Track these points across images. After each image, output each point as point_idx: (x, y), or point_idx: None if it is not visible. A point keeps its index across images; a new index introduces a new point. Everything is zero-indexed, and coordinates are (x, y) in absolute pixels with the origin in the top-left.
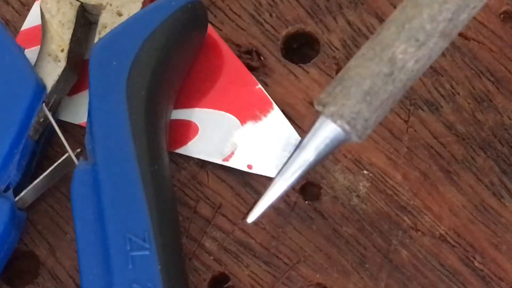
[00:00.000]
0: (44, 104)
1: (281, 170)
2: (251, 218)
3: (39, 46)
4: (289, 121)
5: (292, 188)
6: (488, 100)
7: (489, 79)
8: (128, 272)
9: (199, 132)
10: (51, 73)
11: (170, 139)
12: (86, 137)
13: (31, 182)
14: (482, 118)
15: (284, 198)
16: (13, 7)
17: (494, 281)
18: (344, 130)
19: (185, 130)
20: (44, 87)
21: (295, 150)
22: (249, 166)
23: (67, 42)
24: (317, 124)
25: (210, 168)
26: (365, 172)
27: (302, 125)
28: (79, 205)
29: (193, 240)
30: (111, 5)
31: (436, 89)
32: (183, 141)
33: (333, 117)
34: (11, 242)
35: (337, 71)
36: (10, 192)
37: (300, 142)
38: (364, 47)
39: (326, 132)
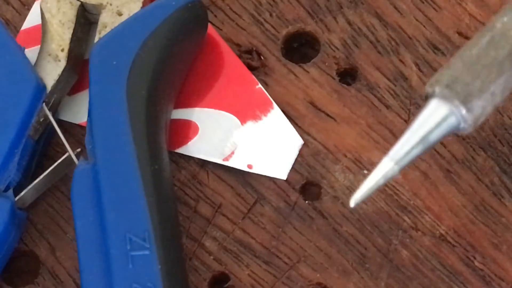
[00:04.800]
0: (44, 104)
1: (389, 152)
2: (355, 200)
3: (39, 46)
4: (289, 120)
5: (399, 171)
6: None
7: None
8: (128, 272)
9: (199, 131)
10: (51, 72)
11: (170, 139)
12: (86, 137)
13: (31, 182)
14: None
15: (284, 198)
16: (13, 7)
17: (494, 281)
18: (450, 102)
19: (185, 130)
20: (44, 86)
21: (405, 133)
22: (249, 166)
23: (67, 41)
24: (428, 103)
25: (210, 167)
26: (366, 171)
27: (302, 124)
28: (79, 205)
29: (193, 240)
30: (111, 4)
31: None
32: (183, 140)
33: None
34: (11, 242)
35: (337, 71)
36: (10, 192)
37: (411, 125)
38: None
39: (432, 110)
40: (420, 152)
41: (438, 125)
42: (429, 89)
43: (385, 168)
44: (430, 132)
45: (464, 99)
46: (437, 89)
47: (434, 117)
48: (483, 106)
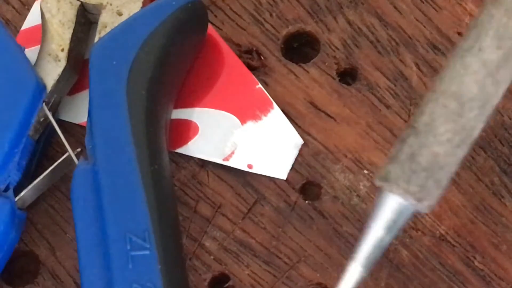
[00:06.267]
0: (44, 104)
1: (352, 254)
2: None
3: (39, 46)
4: (289, 120)
5: (368, 271)
6: None
7: None
8: (128, 272)
9: (199, 131)
10: (51, 72)
11: (170, 139)
12: (86, 137)
13: (31, 182)
14: None
15: (284, 198)
16: (13, 7)
17: (494, 280)
18: (411, 203)
19: (185, 130)
20: (44, 86)
21: (364, 231)
22: (250, 166)
23: (67, 41)
24: (382, 200)
25: (210, 167)
26: (366, 171)
27: (302, 124)
28: (79, 205)
29: (193, 240)
30: (111, 4)
31: None
32: (184, 140)
33: (400, 193)
34: (11, 242)
35: (337, 71)
36: (10, 191)
37: (370, 226)
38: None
39: (393, 207)
40: (385, 247)
41: (396, 221)
42: (380, 183)
43: (355, 274)
44: (389, 229)
45: (419, 194)
46: (387, 186)
47: (391, 214)
48: (439, 187)
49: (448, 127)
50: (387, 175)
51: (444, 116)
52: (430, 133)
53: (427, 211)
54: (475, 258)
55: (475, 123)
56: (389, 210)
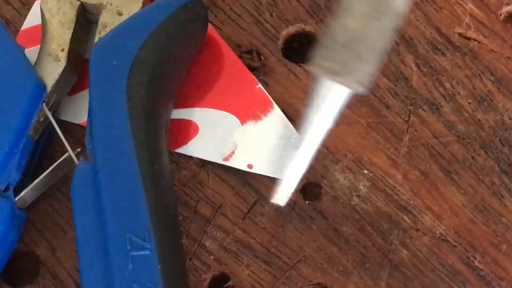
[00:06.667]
0: (44, 104)
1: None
2: (280, 199)
3: (39, 46)
4: (289, 120)
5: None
6: (489, 100)
7: (489, 79)
8: (128, 272)
9: (200, 131)
10: (51, 72)
11: (170, 139)
12: (86, 137)
13: (31, 182)
14: (482, 118)
15: None
16: (13, 7)
17: (494, 280)
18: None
19: (186, 130)
20: (44, 86)
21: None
22: (249, 166)
23: (67, 41)
24: (318, 87)
25: (210, 167)
26: (366, 171)
27: (302, 124)
28: (79, 205)
29: (193, 240)
30: (111, 4)
31: (436, 89)
32: (184, 140)
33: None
34: (11, 242)
35: None
36: (10, 192)
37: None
38: None
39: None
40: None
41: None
42: (311, 68)
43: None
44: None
45: (342, 71)
46: (314, 69)
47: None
48: (362, 61)
49: (362, 2)
50: (313, 59)
51: None
52: (347, 12)
53: (360, 89)
54: (475, 258)
55: None
56: (324, 95)
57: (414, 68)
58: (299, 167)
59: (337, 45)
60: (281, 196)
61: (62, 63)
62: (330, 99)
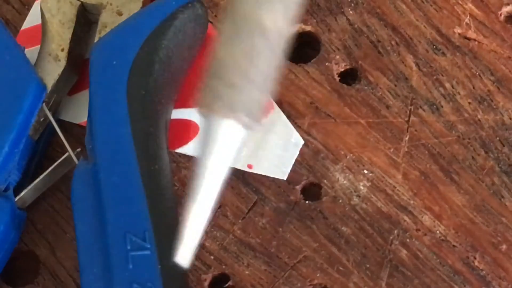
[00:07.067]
0: (44, 104)
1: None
2: (184, 258)
3: (39, 46)
4: (289, 120)
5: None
6: (489, 100)
7: (489, 79)
8: (128, 272)
9: (200, 131)
10: (51, 72)
11: (170, 139)
12: (86, 137)
13: (31, 182)
14: (482, 118)
15: (284, 198)
16: (13, 7)
17: (494, 280)
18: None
19: (186, 130)
20: (44, 86)
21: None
22: (249, 166)
23: (67, 41)
24: (211, 127)
25: None
26: (366, 171)
27: (302, 124)
28: (79, 205)
29: None
30: (111, 4)
31: (436, 89)
32: (184, 140)
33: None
34: (11, 242)
35: (337, 71)
36: (10, 192)
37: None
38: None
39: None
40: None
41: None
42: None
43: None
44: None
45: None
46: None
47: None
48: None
49: (226, 26)
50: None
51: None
52: (217, 42)
53: (247, 121)
54: (475, 258)
55: None
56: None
57: (414, 68)
58: (199, 221)
59: (210, 77)
60: (184, 254)
61: (62, 63)
62: (220, 140)
